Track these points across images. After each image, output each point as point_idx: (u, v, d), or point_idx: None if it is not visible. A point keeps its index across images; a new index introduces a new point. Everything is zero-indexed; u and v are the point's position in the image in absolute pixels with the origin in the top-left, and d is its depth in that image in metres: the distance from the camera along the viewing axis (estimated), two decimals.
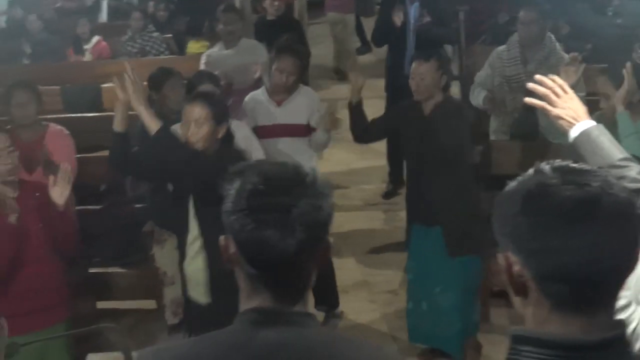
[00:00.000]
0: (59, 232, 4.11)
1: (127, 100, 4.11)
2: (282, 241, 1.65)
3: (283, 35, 5.97)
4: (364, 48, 11.40)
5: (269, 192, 1.68)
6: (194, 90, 4.78)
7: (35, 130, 5.01)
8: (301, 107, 5.38)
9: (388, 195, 7.56)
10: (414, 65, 4.80)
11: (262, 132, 5.28)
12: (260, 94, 5.50)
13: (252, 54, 6.51)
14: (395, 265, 6.29)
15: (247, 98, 5.55)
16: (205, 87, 4.76)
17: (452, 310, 4.80)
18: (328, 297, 5.53)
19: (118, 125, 4.28)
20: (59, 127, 5.16)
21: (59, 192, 4.04)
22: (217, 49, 6.66)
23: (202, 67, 6.41)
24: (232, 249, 1.72)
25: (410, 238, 5.05)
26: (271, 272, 1.71)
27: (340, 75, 10.19)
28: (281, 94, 5.37)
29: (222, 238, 1.76)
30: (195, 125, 3.97)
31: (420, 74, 4.72)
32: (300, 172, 1.73)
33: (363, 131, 5.13)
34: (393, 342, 5.32)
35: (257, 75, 6.35)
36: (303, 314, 1.75)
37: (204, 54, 6.80)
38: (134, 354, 2.93)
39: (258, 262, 1.70)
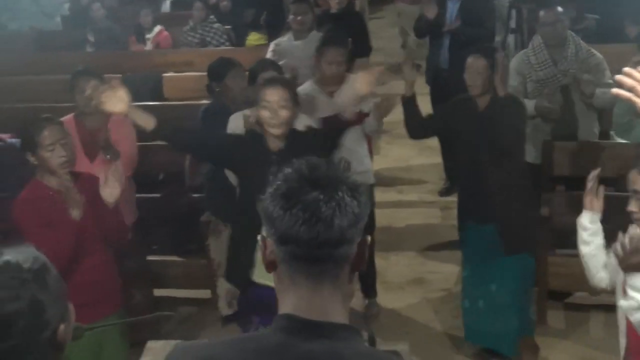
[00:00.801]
0: (110, 225, 4.12)
1: (127, 106, 4.09)
2: (318, 236, 1.65)
3: (344, 29, 5.93)
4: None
5: (303, 189, 1.67)
6: (257, 77, 4.77)
7: (98, 118, 5.03)
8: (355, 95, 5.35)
9: (445, 192, 7.49)
10: (469, 60, 4.73)
11: (323, 124, 5.28)
12: (310, 87, 5.46)
13: None
14: (452, 262, 6.23)
15: (299, 89, 5.54)
16: (268, 74, 4.72)
17: (507, 308, 4.74)
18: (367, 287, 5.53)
19: (148, 124, 4.21)
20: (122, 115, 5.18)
21: (109, 192, 4.04)
22: (286, 39, 6.64)
23: (268, 55, 6.38)
24: (270, 248, 1.73)
25: (464, 236, 5.01)
26: (309, 268, 1.70)
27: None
28: (332, 85, 5.36)
29: (260, 238, 1.77)
30: (276, 108, 3.90)
31: (477, 68, 4.67)
32: (334, 169, 1.73)
33: (417, 126, 5.08)
34: (448, 341, 5.26)
35: None
36: (339, 326, 1.72)
37: (273, 42, 6.77)
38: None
39: (296, 258, 1.69)
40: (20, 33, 10.00)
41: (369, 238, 1.76)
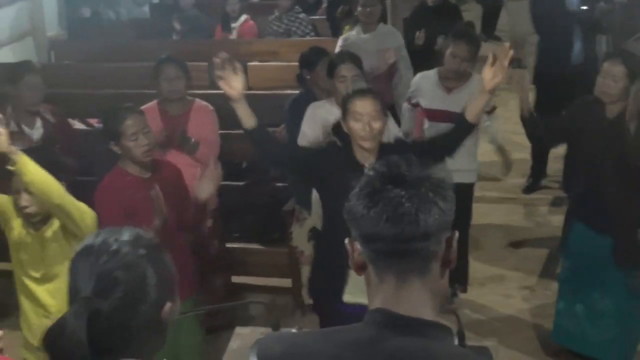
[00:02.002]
0: (187, 215, 4.17)
1: (239, 96, 3.85)
2: (403, 231, 1.66)
3: (442, 21, 5.88)
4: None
5: (385, 187, 1.69)
6: (335, 70, 4.76)
7: (182, 105, 5.10)
8: (472, 96, 5.27)
9: (528, 189, 7.38)
10: (606, 65, 4.43)
11: (427, 114, 5.27)
12: (432, 75, 5.44)
13: (390, 40, 6.44)
14: (534, 261, 6.16)
15: (418, 76, 5.52)
16: (347, 67, 4.72)
17: (612, 318, 4.58)
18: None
19: (246, 122, 3.93)
20: (204, 102, 5.24)
21: (204, 188, 4.08)
22: (354, 33, 6.62)
23: (337, 49, 6.37)
24: (358, 250, 1.74)
25: (570, 238, 4.78)
26: (396, 264, 1.70)
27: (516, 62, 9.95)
28: (453, 80, 5.31)
29: (346, 242, 1.78)
30: (369, 121, 3.76)
31: (614, 75, 4.37)
32: (416, 166, 1.74)
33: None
34: (530, 339, 5.19)
35: (391, 61, 6.29)
36: (432, 324, 1.72)
37: (341, 37, 6.77)
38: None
39: (383, 255, 1.70)
40: (118, 21, 10.19)
41: (457, 234, 1.76)
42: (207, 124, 5.11)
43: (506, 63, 3.81)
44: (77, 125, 7.17)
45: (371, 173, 1.75)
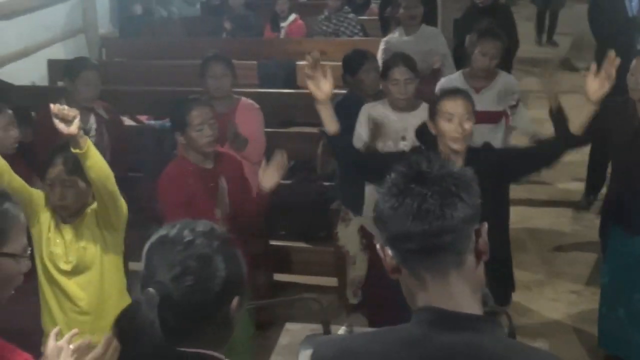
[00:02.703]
0: (248, 207, 4.19)
1: (325, 98, 3.80)
2: (430, 227, 1.67)
3: (492, 22, 5.83)
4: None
5: (408, 186, 1.71)
6: (389, 72, 4.75)
7: (228, 103, 5.13)
8: (500, 94, 5.28)
9: (588, 204, 7.17)
10: (635, 61, 4.39)
11: None
12: (457, 79, 5.42)
13: (432, 42, 6.41)
14: (581, 265, 6.10)
15: (442, 81, 5.49)
16: (400, 70, 4.70)
17: None
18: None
19: (329, 127, 3.88)
20: (250, 101, 5.26)
21: (269, 178, 4.12)
22: (397, 35, 6.60)
23: (380, 52, 6.36)
24: (390, 254, 1.75)
25: (609, 242, 4.74)
26: (430, 261, 1.71)
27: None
28: (481, 79, 5.29)
29: (378, 247, 1.80)
30: (462, 121, 3.70)
31: None
32: (438, 164, 1.75)
33: (570, 138, 4.89)
34: (578, 344, 5.14)
35: (436, 65, 6.25)
36: (481, 318, 1.73)
37: (383, 39, 6.74)
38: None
39: (414, 254, 1.71)
40: (169, 19, 10.29)
41: (486, 225, 1.76)
42: (253, 122, 5.13)
43: (614, 72, 3.71)
44: (127, 121, 7.26)
45: (393, 175, 1.76)
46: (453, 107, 3.73)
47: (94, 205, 3.68)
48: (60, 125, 3.37)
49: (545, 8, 12.12)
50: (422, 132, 4.16)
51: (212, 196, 4.00)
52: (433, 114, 3.80)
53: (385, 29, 8.53)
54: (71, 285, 3.63)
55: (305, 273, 5.80)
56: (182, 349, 1.76)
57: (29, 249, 2.23)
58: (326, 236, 5.65)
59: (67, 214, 3.63)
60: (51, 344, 2.57)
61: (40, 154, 4.78)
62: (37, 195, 3.65)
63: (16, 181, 3.50)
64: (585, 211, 6.98)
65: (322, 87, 3.73)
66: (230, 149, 4.74)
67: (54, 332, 2.66)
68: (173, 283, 1.76)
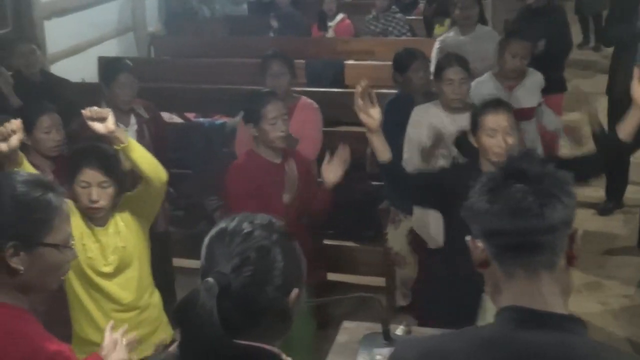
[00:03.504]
0: (315, 204, 4.20)
1: (377, 126, 3.73)
2: (528, 225, 1.67)
3: (545, 23, 5.78)
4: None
5: (508, 182, 1.72)
6: (442, 73, 4.71)
7: (286, 102, 5.12)
8: (532, 90, 5.31)
9: (607, 211, 7.10)
10: None
11: None
12: (487, 80, 5.38)
13: (488, 42, 6.35)
14: (631, 267, 6.02)
15: (473, 84, 5.44)
16: (454, 70, 4.66)
17: None
18: None
19: (381, 155, 3.80)
20: (309, 100, 5.26)
21: (333, 172, 4.11)
22: (452, 34, 6.55)
23: (434, 51, 6.33)
24: (480, 247, 1.76)
25: None
26: (524, 259, 1.71)
27: None
28: (512, 79, 5.26)
29: (467, 239, 1.81)
30: (504, 136, 3.63)
31: None
32: (538, 163, 1.75)
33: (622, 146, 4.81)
34: (629, 349, 5.06)
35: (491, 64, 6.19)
36: (568, 318, 1.72)
37: (438, 38, 6.70)
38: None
39: (509, 250, 1.72)
40: (212, 18, 10.34)
41: (579, 230, 1.77)
42: (311, 121, 5.14)
43: None
44: (175, 119, 7.31)
45: (492, 170, 1.78)
46: (496, 121, 3.65)
47: (125, 200, 3.67)
48: (97, 126, 3.40)
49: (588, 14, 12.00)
50: (461, 142, 4.10)
51: (278, 191, 4.02)
52: (475, 127, 3.73)
53: (429, 29, 8.51)
54: (112, 286, 3.61)
55: (355, 272, 5.78)
56: (240, 342, 1.75)
57: (73, 238, 2.24)
58: (374, 236, 5.63)
59: (99, 215, 3.57)
60: (107, 337, 2.60)
61: None
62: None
63: None
64: (634, 213, 6.87)
65: (372, 114, 3.70)
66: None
67: (109, 326, 2.69)
68: (232, 274, 1.76)
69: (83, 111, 3.43)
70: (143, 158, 3.52)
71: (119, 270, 3.62)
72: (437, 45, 6.49)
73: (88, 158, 3.52)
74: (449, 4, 7.34)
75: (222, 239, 1.81)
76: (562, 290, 1.74)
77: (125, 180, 3.67)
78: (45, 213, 2.14)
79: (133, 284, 3.65)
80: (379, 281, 5.57)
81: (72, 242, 2.22)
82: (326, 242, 5.68)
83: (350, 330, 3.38)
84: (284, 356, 1.84)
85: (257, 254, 1.78)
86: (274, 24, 9.23)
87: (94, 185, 3.48)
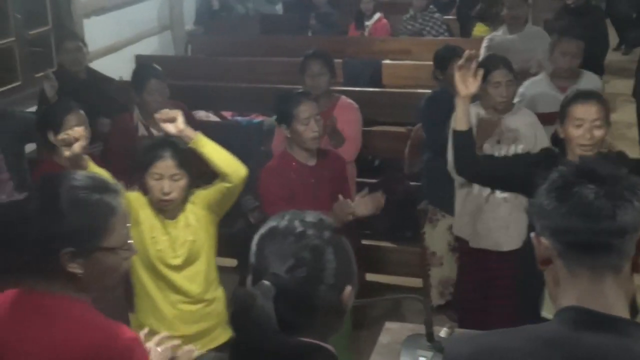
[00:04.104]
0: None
1: (469, 94, 3.69)
2: (598, 226, 1.65)
3: (584, 23, 5.71)
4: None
5: (580, 182, 1.70)
6: (488, 75, 4.62)
7: (326, 101, 5.10)
8: None
9: None
10: None
11: (544, 119, 5.12)
12: (540, 80, 5.32)
13: (537, 41, 6.28)
14: None
15: (526, 83, 5.38)
16: (501, 72, 4.57)
17: None
18: None
19: (460, 123, 3.72)
20: (349, 100, 5.23)
21: (363, 208, 4.03)
22: (500, 34, 6.50)
23: (482, 50, 6.28)
24: (545, 244, 1.74)
25: None
26: (590, 259, 1.69)
27: None
28: (565, 79, 5.19)
29: (532, 236, 1.79)
30: (591, 127, 3.51)
31: None
32: (612, 166, 1.73)
33: None
34: None
35: (532, 70, 6.11)
36: (630, 322, 1.69)
37: (486, 37, 6.65)
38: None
39: (576, 249, 1.69)
40: (246, 16, 10.35)
41: None
42: (351, 121, 5.10)
43: None
44: (212, 117, 7.33)
45: (562, 168, 1.76)
46: (583, 112, 3.53)
47: (198, 194, 3.70)
48: (168, 127, 3.49)
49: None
50: (556, 136, 4.02)
51: (312, 193, 3.99)
52: (563, 117, 3.63)
53: (464, 29, 8.45)
54: (180, 278, 3.66)
55: (392, 273, 5.75)
56: (298, 339, 1.76)
57: (130, 239, 2.23)
58: (412, 236, 5.60)
59: (170, 208, 3.63)
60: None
61: (113, 157, 4.84)
62: (133, 196, 3.63)
63: None
64: None
65: (469, 84, 3.66)
66: (327, 145, 4.73)
67: (142, 333, 2.68)
68: (287, 275, 1.75)
69: (155, 115, 3.50)
70: (216, 153, 3.56)
71: (187, 263, 3.66)
72: (484, 43, 6.45)
73: (161, 151, 3.59)
74: (494, 3, 7.31)
75: (274, 238, 1.81)
76: (625, 294, 1.72)
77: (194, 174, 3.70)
78: (103, 217, 2.11)
79: (200, 277, 3.70)
80: (416, 282, 5.54)
81: (130, 240, 2.20)
82: (364, 242, 5.66)
83: (392, 331, 3.35)
84: (336, 353, 1.83)
85: (311, 254, 1.77)
86: (313, 22, 9.22)
87: (166, 177, 3.55)
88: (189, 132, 3.53)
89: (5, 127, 4.87)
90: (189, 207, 3.68)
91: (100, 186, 2.16)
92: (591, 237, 1.67)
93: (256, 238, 1.85)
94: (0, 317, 2.16)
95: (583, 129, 3.50)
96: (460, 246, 4.86)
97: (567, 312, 1.70)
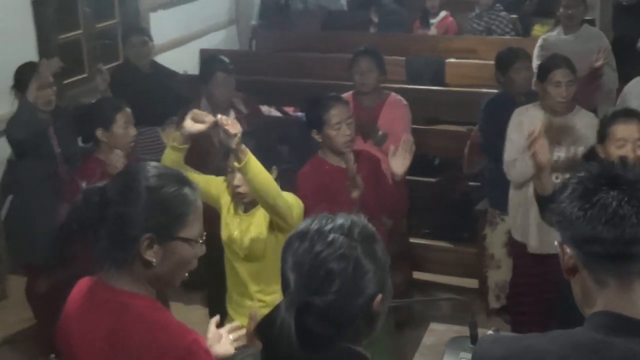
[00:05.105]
0: (390, 202, 4.14)
1: (547, 164, 3.56)
2: (623, 234, 1.62)
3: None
4: None
5: (601, 189, 1.66)
6: (548, 75, 4.55)
7: (375, 98, 5.10)
8: None
9: None
10: None
11: None
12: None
13: (593, 42, 6.16)
14: None
15: (632, 83, 5.24)
16: (562, 72, 4.49)
17: None
18: None
19: (545, 189, 3.57)
20: (398, 96, 5.21)
21: (399, 163, 4.04)
22: (555, 34, 6.39)
23: (536, 50, 6.19)
24: (569, 253, 1.71)
25: None
26: (617, 267, 1.66)
27: None
28: None
29: (556, 244, 1.76)
30: (634, 148, 3.45)
31: None
32: (633, 171, 1.69)
33: None
34: None
35: (598, 64, 5.99)
36: None
37: (541, 37, 6.55)
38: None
39: (601, 258, 1.66)
40: (309, 11, 10.36)
41: None
42: (399, 118, 5.07)
43: None
44: (274, 112, 7.35)
45: (583, 174, 1.71)
46: (626, 131, 3.47)
47: None
48: (223, 135, 3.40)
49: None
50: (590, 155, 3.93)
51: (348, 196, 3.92)
52: (603, 137, 3.56)
53: (526, 29, 8.32)
54: (243, 270, 3.70)
55: (446, 273, 5.71)
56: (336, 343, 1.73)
57: (204, 234, 2.24)
58: (469, 237, 5.55)
59: (244, 201, 3.65)
60: (212, 330, 2.61)
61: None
62: (215, 181, 3.73)
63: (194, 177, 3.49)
64: None
65: (544, 152, 3.56)
66: (368, 143, 4.71)
67: (214, 320, 2.70)
68: (316, 292, 1.70)
69: (218, 117, 3.43)
70: (254, 182, 3.40)
71: (249, 258, 3.68)
72: (538, 43, 6.34)
73: None
74: (552, 2, 7.18)
75: (302, 244, 1.76)
76: None
77: None
78: (182, 208, 2.13)
79: (260, 277, 3.68)
80: (472, 283, 5.49)
81: (203, 238, 2.22)
82: (419, 241, 5.64)
83: (437, 332, 3.33)
84: (369, 357, 1.81)
85: (341, 265, 1.72)
86: (375, 19, 9.18)
87: (237, 171, 3.49)
88: (242, 154, 3.34)
89: (62, 123, 4.97)
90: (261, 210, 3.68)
91: (180, 178, 2.19)
92: (615, 246, 1.63)
93: (286, 242, 1.81)
94: (72, 306, 2.21)
95: (626, 149, 3.44)
96: (515, 249, 4.79)
97: (599, 317, 1.68)
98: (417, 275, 5.69)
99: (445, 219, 5.70)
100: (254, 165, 3.39)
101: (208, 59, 5.75)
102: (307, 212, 3.82)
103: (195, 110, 3.47)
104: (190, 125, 3.44)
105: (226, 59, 5.26)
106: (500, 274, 5.21)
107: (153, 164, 2.26)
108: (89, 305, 2.17)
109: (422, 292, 5.49)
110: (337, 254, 1.72)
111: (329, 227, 1.77)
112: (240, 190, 3.59)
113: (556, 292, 4.30)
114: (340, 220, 1.79)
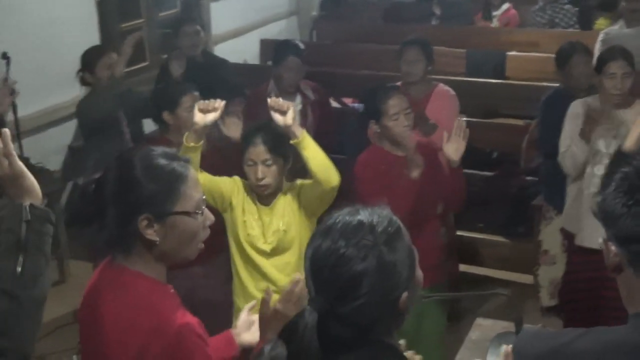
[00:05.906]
0: (448, 190, 4.11)
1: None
2: None
3: None
4: None
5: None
6: (605, 65, 4.47)
7: (422, 88, 5.08)
8: None
9: None
10: None
11: None
12: None
13: None
14: None
15: None
16: (618, 64, 4.41)
17: None
18: None
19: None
20: (446, 87, 5.17)
21: (454, 148, 4.01)
22: (617, 28, 6.26)
23: (598, 44, 6.07)
24: (614, 250, 1.66)
25: None
26: None
27: None
28: None
29: (600, 242, 1.70)
30: None
31: None
32: None
33: None
34: None
35: None
36: None
37: (603, 31, 6.42)
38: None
39: None
40: (370, 3, 10.32)
41: None
42: (446, 108, 5.03)
43: None
44: (333, 103, 7.35)
45: (627, 169, 1.65)
46: None
47: (295, 186, 3.71)
48: (276, 116, 3.46)
49: None
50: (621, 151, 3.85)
51: (407, 184, 3.93)
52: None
53: (585, 22, 8.17)
54: (268, 265, 3.67)
55: (500, 268, 5.65)
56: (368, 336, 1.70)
57: (204, 202, 2.25)
58: (525, 232, 5.48)
59: (266, 193, 3.64)
60: (243, 317, 2.63)
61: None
62: (225, 182, 3.70)
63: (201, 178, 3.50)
64: None
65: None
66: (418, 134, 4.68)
67: (248, 306, 2.72)
68: (341, 298, 1.66)
69: (269, 100, 3.50)
70: (315, 158, 3.49)
71: (276, 251, 3.67)
72: (600, 37, 6.23)
73: (253, 137, 3.62)
74: None
75: (325, 240, 1.70)
76: None
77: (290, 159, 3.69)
78: (174, 182, 2.16)
79: (289, 268, 3.67)
80: (527, 278, 5.42)
81: (204, 207, 2.24)
82: (473, 235, 5.58)
83: (483, 327, 3.30)
84: (400, 348, 1.79)
85: (368, 264, 1.65)
86: (437, 11, 9.12)
87: (259, 163, 3.57)
88: (296, 129, 3.48)
89: (126, 105, 5.05)
90: (288, 196, 3.68)
91: (170, 155, 2.22)
92: None
93: (310, 239, 1.77)
94: (92, 285, 2.28)
95: None
96: (569, 244, 4.71)
97: (639, 319, 1.64)
98: (470, 269, 5.64)
99: (501, 213, 5.63)
100: (311, 141, 3.44)
101: (282, 42, 5.81)
102: (365, 198, 3.82)
103: (200, 102, 3.54)
104: (201, 118, 3.49)
105: (301, 44, 5.33)
106: (554, 271, 5.12)
107: (143, 146, 2.30)
108: (102, 283, 2.23)
109: (473, 286, 5.42)
110: (360, 255, 1.66)
111: (353, 224, 1.70)
112: (265, 182, 3.59)
113: (611, 290, 4.25)
114: (360, 217, 1.72)
